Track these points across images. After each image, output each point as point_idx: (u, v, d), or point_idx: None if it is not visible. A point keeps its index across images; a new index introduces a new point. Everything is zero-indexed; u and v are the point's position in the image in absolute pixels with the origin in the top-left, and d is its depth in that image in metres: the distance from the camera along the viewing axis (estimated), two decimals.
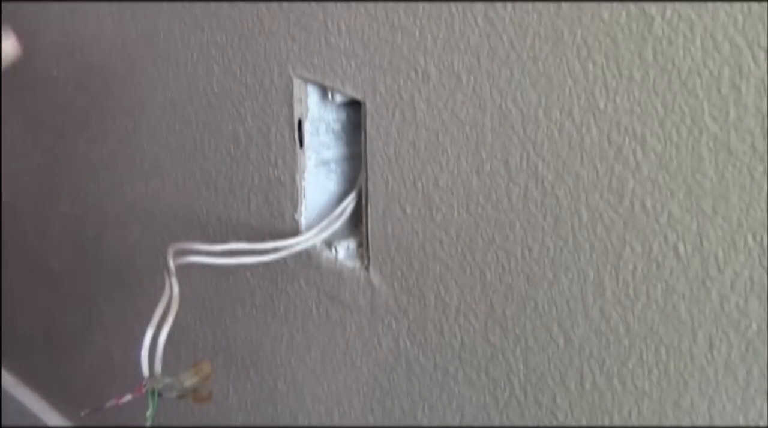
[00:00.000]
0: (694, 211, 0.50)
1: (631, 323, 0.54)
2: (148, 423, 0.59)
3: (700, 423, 0.53)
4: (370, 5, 0.61)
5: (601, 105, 0.51)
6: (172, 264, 0.61)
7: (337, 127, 0.71)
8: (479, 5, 0.55)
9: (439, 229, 0.63)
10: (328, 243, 0.71)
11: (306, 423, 0.80)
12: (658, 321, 0.53)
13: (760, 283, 0.48)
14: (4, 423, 1.21)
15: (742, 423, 0.51)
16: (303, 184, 0.71)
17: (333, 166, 0.72)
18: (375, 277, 0.68)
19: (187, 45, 0.78)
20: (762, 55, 0.45)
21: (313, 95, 0.69)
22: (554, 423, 0.61)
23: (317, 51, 0.66)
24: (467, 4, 0.56)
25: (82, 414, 0.65)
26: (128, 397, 0.58)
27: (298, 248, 0.70)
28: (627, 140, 0.51)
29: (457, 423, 0.67)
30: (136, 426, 0.62)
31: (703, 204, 0.49)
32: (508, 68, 0.55)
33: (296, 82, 0.68)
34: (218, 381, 0.86)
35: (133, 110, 0.87)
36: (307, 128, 0.70)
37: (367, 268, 0.69)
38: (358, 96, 0.64)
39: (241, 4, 0.72)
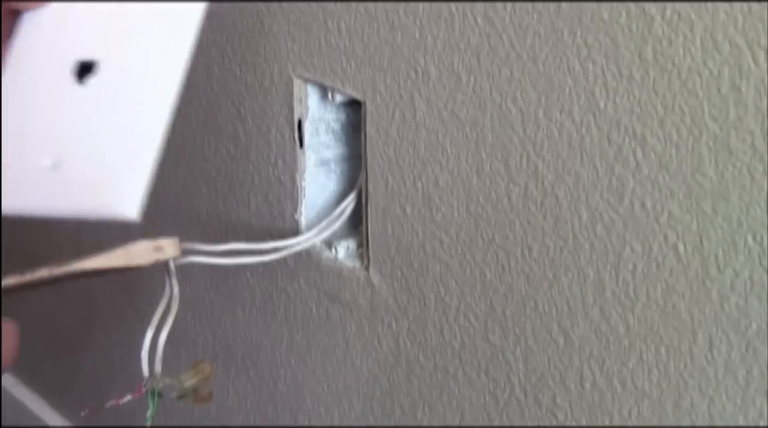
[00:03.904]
0: (694, 211, 0.50)
1: (631, 323, 0.54)
2: (148, 423, 0.59)
3: (700, 423, 0.53)
4: (370, 5, 0.61)
5: (601, 105, 0.51)
6: (172, 264, 0.61)
7: (337, 127, 0.71)
8: (479, 5, 0.55)
9: (439, 229, 0.63)
10: (328, 243, 0.71)
11: (306, 423, 0.80)
12: (658, 321, 0.53)
13: (760, 283, 0.48)
14: (4, 423, 1.21)
15: (742, 423, 0.51)
16: (303, 184, 0.71)
17: (333, 166, 0.72)
18: (375, 277, 0.68)
19: None
20: (762, 55, 0.45)
21: (313, 95, 0.69)
22: (554, 423, 0.61)
23: (317, 51, 0.66)
24: (467, 4, 0.56)
25: (82, 414, 0.65)
26: (128, 397, 0.58)
27: (298, 248, 0.70)
28: (627, 140, 0.51)
29: (457, 423, 0.67)
30: (136, 426, 0.62)
31: (703, 204, 0.49)
32: (508, 68, 0.55)
33: (296, 82, 0.68)
34: (218, 381, 0.86)
35: None
36: (307, 128, 0.70)
37: (367, 268, 0.69)
38: (358, 96, 0.64)
39: (241, 4, 0.72)
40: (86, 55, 0.53)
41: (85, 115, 0.52)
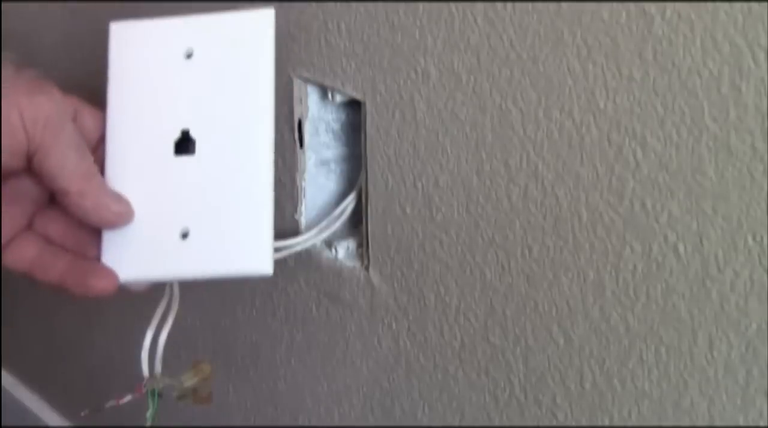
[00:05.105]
0: (694, 211, 0.50)
1: (631, 323, 0.54)
2: (148, 424, 0.59)
3: (700, 423, 0.53)
4: (370, 5, 0.61)
5: (601, 105, 0.51)
6: None
7: (336, 127, 0.71)
8: (479, 5, 0.55)
9: (439, 229, 0.63)
10: (328, 243, 0.71)
11: (306, 423, 0.80)
12: (658, 321, 0.53)
13: (760, 283, 0.48)
14: (4, 423, 1.21)
15: (742, 423, 0.51)
16: (303, 184, 0.71)
17: (333, 166, 0.72)
18: (375, 277, 0.68)
19: None
20: (762, 55, 0.45)
21: (313, 95, 0.69)
22: (554, 423, 0.61)
23: (317, 51, 0.66)
24: (467, 4, 0.56)
25: (82, 414, 0.65)
26: (128, 397, 0.58)
27: (298, 248, 0.70)
28: (627, 140, 0.51)
29: (457, 423, 0.67)
30: (136, 426, 0.62)
31: (703, 204, 0.49)
32: (508, 68, 0.55)
33: (296, 82, 0.68)
34: (218, 381, 0.86)
35: None
36: (307, 128, 0.70)
37: (367, 268, 0.69)
38: (358, 96, 0.64)
39: (240, 5, 0.71)
40: (181, 129, 0.57)
41: (197, 184, 0.56)
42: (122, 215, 0.56)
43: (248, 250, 0.55)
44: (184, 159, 0.57)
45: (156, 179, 0.57)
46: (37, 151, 0.53)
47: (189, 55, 0.58)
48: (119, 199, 0.56)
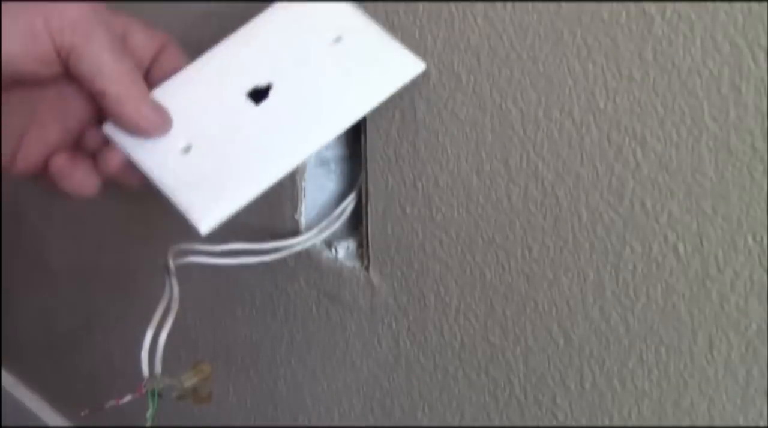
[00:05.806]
0: (694, 211, 0.50)
1: (631, 323, 0.54)
2: (148, 424, 0.59)
3: (700, 423, 0.53)
4: (371, 5, 0.61)
5: (601, 105, 0.51)
6: (172, 264, 0.61)
7: None
8: (479, 5, 0.55)
9: (439, 229, 0.63)
10: (328, 243, 0.71)
11: (306, 423, 0.80)
12: (658, 321, 0.53)
13: (760, 283, 0.48)
14: (4, 423, 1.21)
15: (742, 423, 0.51)
16: (303, 184, 0.71)
17: (333, 166, 0.72)
18: (375, 277, 0.68)
19: (187, 45, 0.78)
20: (762, 55, 0.45)
21: None
22: (554, 423, 0.61)
23: None
24: (467, 4, 0.56)
25: (82, 414, 0.65)
26: (128, 397, 0.58)
27: (298, 248, 0.70)
28: (627, 140, 0.51)
29: (457, 423, 0.67)
30: (136, 426, 0.62)
31: (703, 204, 0.49)
32: (508, 68, 0.55)
33: None
34: (218, 381, 0.86)
35: None
36: None
37: (367, 268, 0.69)
38: None
39: (241, 5, 0.71)
40: (269, 81, 0.58)
41: (237, 126, 0.57)
42: (158, 126, 0.56)
43: (207, 204, 0.56)
44: (249, 104, 0.57)
45: (215, 104, 0.57)
46: (70, 55, 0.53)
47: (337, 39, 0.58)
48: (158, 109, 0.56)
